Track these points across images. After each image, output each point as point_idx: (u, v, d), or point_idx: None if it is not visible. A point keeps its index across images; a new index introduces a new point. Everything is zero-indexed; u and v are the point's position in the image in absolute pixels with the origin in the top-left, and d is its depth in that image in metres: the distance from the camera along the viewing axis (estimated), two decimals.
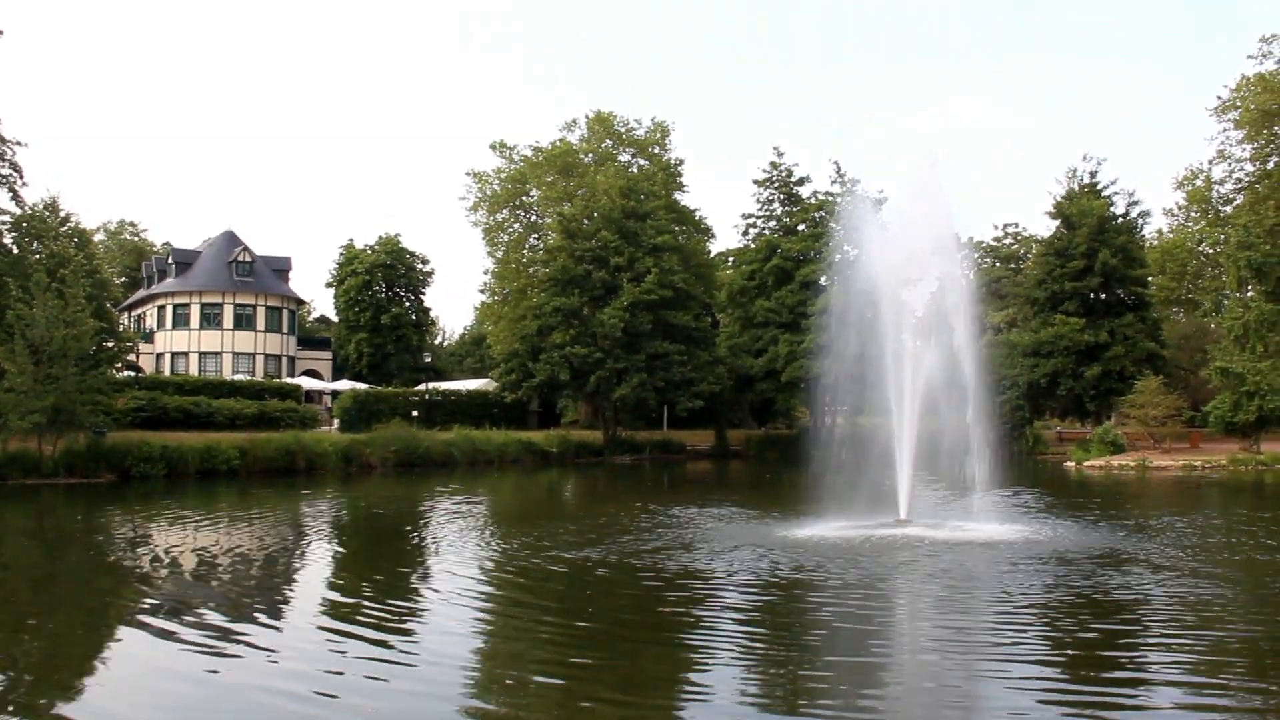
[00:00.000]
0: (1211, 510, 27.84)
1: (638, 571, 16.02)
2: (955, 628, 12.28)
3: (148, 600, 14.45)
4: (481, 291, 74.50)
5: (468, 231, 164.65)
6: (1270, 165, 69.81)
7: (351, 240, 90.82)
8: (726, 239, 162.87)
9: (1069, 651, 10.94)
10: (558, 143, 70.24)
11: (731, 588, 14.62)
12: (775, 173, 68.59)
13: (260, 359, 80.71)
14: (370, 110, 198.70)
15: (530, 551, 18.38)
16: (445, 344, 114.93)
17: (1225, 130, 70.19)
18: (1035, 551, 17.67)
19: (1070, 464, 48.76)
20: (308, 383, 73.70)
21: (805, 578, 15.17)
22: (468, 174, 71.90)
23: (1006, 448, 57.70)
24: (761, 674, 10.36)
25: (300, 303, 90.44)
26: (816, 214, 65.51)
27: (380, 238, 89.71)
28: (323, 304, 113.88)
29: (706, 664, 10.68)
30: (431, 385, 68.55)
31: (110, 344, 42.63)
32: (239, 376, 68.21)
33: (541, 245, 69.43)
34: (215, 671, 10.20)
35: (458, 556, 17.89)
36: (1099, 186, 67.94)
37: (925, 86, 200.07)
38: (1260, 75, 66.83)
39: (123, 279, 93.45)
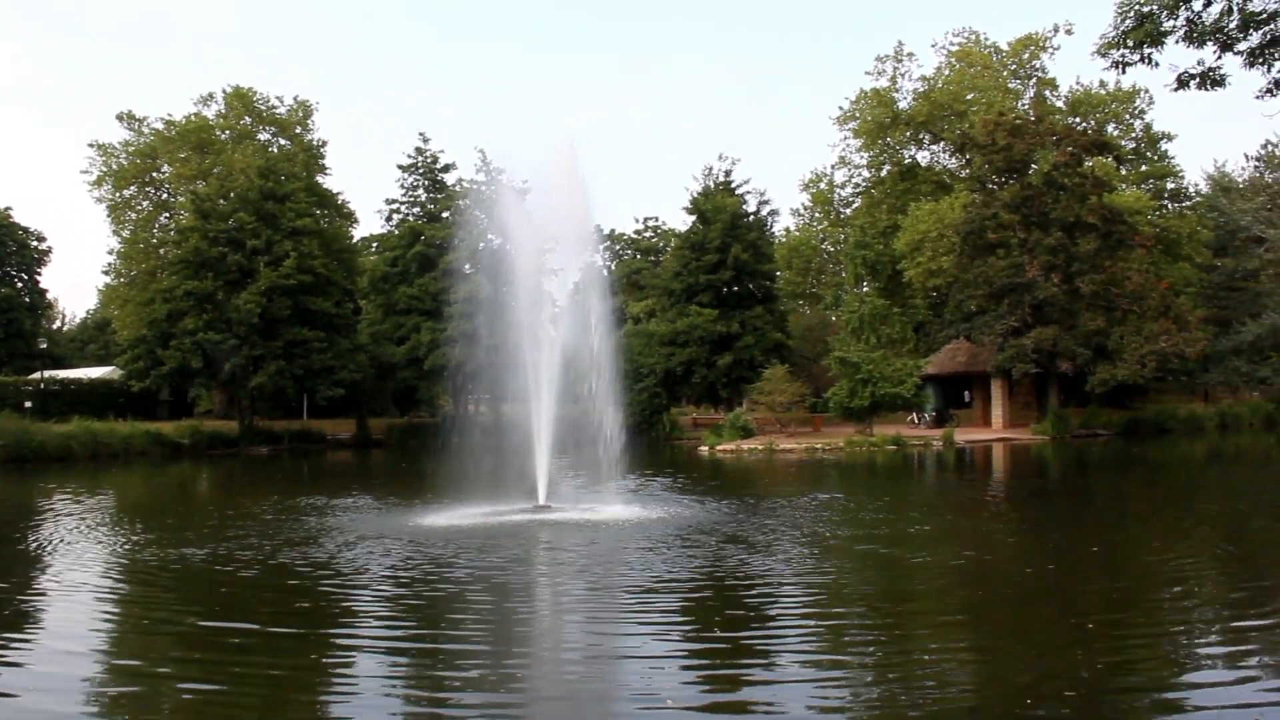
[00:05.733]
0: (828, 488, 29.82)
1: (270, 567, 15.40)
2: (589, 608, 12.57)
3: None
4: (106, 273, 69.62)
5: (91, 208, 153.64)
6: (884, 172, 75.77)
7: None
8: (370, 224, 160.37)
9: (704, 630, 11.32)
10: (192, 117, 66.55)
11: (366, 581, 14.25)
12: (420, 159, 67.97)
13: None
14: None
15: (155, 549, 17.34)
16: (65, 329, 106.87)
17: (846, 139, 75.48)
18: (668, 532, 18.28)
19: (704, 448, 50.81)
20: None
21: (441, 566, 15.03)
22: (91, 145, 66.65)
23: (644, 433, 59.76)
24: (403, 672, 10.08)
25: None
26: (461, 201, 65.44)
27: None
28: None
29: (345, 663, 10.31)
30: (48, 374, 63.93)
31: None
32: None
33: (173, 225, 65.70)
34: None
35: (74, 557, 16.61)
36: (733, 185, 71.13)
37: (570, 78, 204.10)
38: (876, 90, 72.33)
39: None
